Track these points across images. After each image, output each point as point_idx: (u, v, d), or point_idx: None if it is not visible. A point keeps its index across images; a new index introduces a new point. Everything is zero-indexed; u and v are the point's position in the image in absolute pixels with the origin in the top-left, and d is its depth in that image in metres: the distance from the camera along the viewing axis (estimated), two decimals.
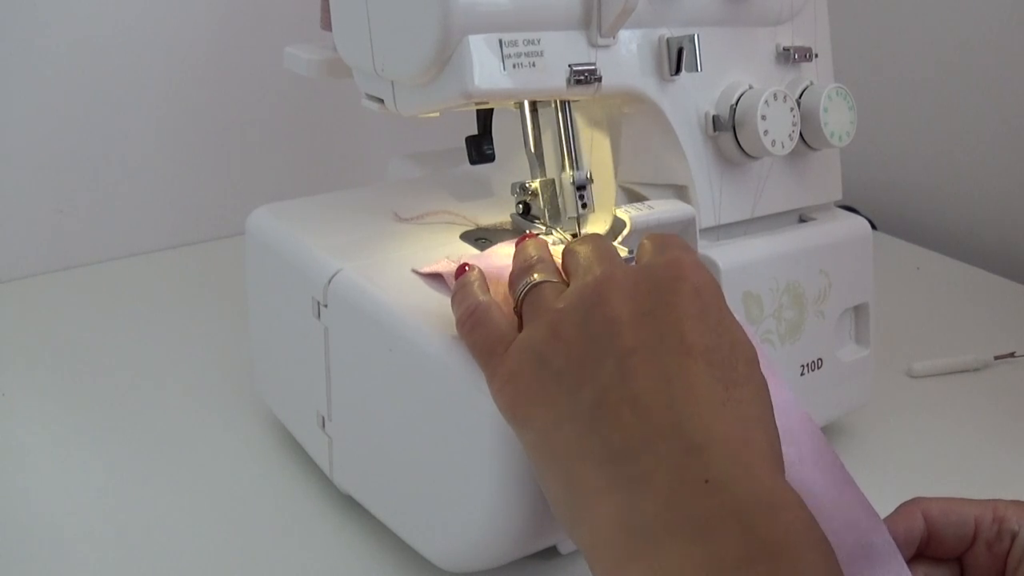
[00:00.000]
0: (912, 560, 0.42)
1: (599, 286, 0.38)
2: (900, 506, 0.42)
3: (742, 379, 0.36)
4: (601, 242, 0.43)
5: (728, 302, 0.53)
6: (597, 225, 0.56)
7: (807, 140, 0.59)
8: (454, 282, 0.46)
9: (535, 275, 0.42)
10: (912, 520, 0.41)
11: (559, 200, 0.55)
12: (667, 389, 0.35)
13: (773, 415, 0.36)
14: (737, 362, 0.36)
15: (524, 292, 0.41)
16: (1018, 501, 0.43)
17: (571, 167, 0.53)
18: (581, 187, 0.53)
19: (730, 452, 0.33)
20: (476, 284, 0.44)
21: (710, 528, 0.31)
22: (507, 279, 0.45)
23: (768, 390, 0.37)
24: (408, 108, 0.52)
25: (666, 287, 0.37)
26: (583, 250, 0.42)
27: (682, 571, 0.31)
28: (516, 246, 0.46)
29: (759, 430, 0.35)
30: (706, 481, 0.32)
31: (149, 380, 0.72)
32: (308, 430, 0.59)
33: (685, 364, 0.35)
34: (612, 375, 0.36)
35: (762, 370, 0.39)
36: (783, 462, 0.35)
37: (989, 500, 0.43)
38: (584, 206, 0.54)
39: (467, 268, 0.46)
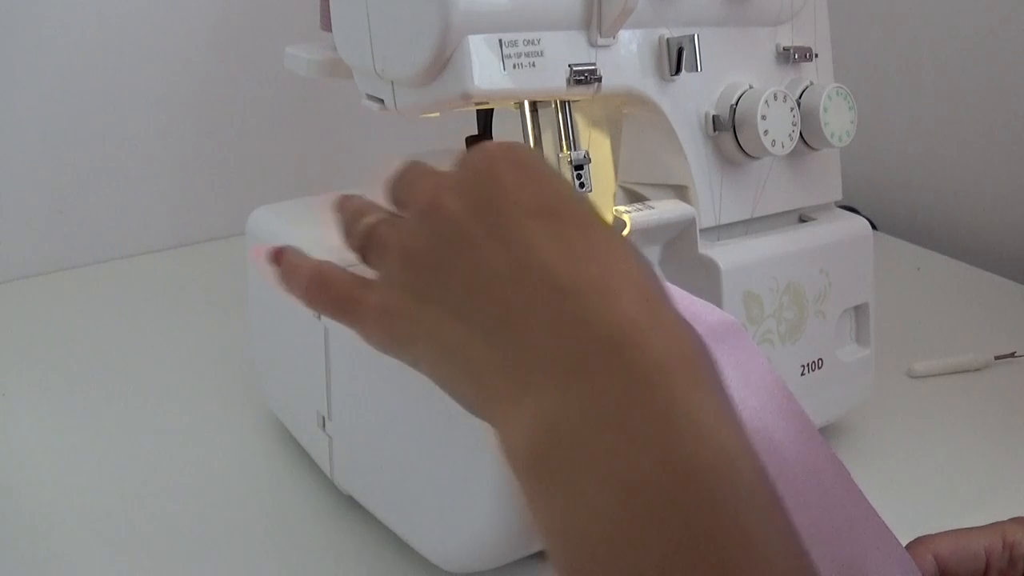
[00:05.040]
0: None
1: (430, 199, 0.38)
2: (907, 547, 0.42)
3: (592, 223, 0.36)
4: (416, 165, 0.42)
5: (728, 302, 0.54)
6: None
7: (807, 140, 0.59)
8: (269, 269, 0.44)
9: (366, 218, 0.42)
10: (922, 562, 0.41)
11: None
12: (526, 255, 0.35)
13: (637, 250, 0.36)
14: (583, 211, 0.37)
15: (363, 238, 0.41)
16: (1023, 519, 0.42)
17: (568, 148, 0.53)
18: (579, 167, 0.53)
19: (599, 287, 0.33)
20: (296, 256, 0.44)
21: (584, 363, 0.32)
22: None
23: (620, 233, 0.37)
24: (408, 108, 0.52)
25: (487, 172, 0.38)
26: (403, 179, 0.42)
27: (561, 409, 0.31)
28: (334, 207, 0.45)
29: (626, 263, 0.35)
30: (577, 317, 0.33)
31: (149, 380, 0.72)
32: (308, 430, 0.59)
33: (533, 227, 0.35)
34: (470, 265, 0.36)
35: (738, 340, 0.42)
36: (663, 288, 0.35)
37: (996, 525, 0.42)
38: (582, 186, 0.54)
39: (279, 252, 0.45)
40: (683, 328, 0.33)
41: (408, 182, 0.41)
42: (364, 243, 0.41)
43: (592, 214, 0.36)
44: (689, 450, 0.29)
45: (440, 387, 0.39)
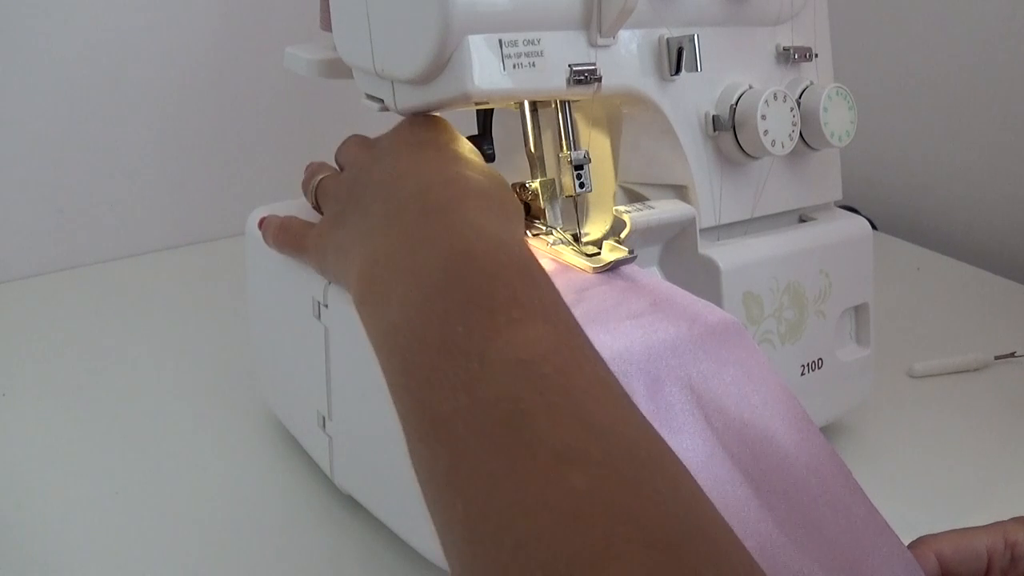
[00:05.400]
0: None
1: (355, 157, 0.51)
2: (910, 547, 0.42)
3: (447, 147, 0.48)
4: (355, 137, 0.54)
5: (728, 302, 0.54)
6: (597, 225, 0.56)
7: (807, 140, 0.59)
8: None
9: (317, 176, 0.54)
10: (925, 563, 0.41)
11: (556, 182, 0.55)
12: (392, 166, 0.47)
13: (475, 163, 0.47)
14: (443, 140, 0.49)
15: (315, 189, 0.53)
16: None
17: (568, 148, 0.54)
18: (579, 167, 0.54)
19: (422, 170, 0.45)
20: (271, 217, 0.56)
21: (398, 211, 0.43)
22: None
23: (464, 153, 0.48)
24: (408, 108, 0.52)
25: (391, 133, 0.52)
26: (344, 147, 0.54)
27: (380, 243, 0.42)
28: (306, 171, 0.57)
29: (448, 159, 0.46)
30: (401, 187, 0.44)
31: (149, 380, 0.72)
32: (308, 430, 0.59)
33: (403, 150, 0.48)
34: (364, 189, 0.47)
35: (739, 339, 0.46)
36: (478, 167, 0.46)
37: (997, 525, 0.42)
38: (582, 185, 0.54)
39: (261, 220, 0.57)
40: (478, 178, 0.44)
41: (346, 150, 0.54)
42: (315, 193, 0.53)
43: (450, 142, 0.48)
44: (468, 243, 0.39)
45: (337, 284, 0.48)
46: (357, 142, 0.53)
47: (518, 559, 0.29)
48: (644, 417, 0.34)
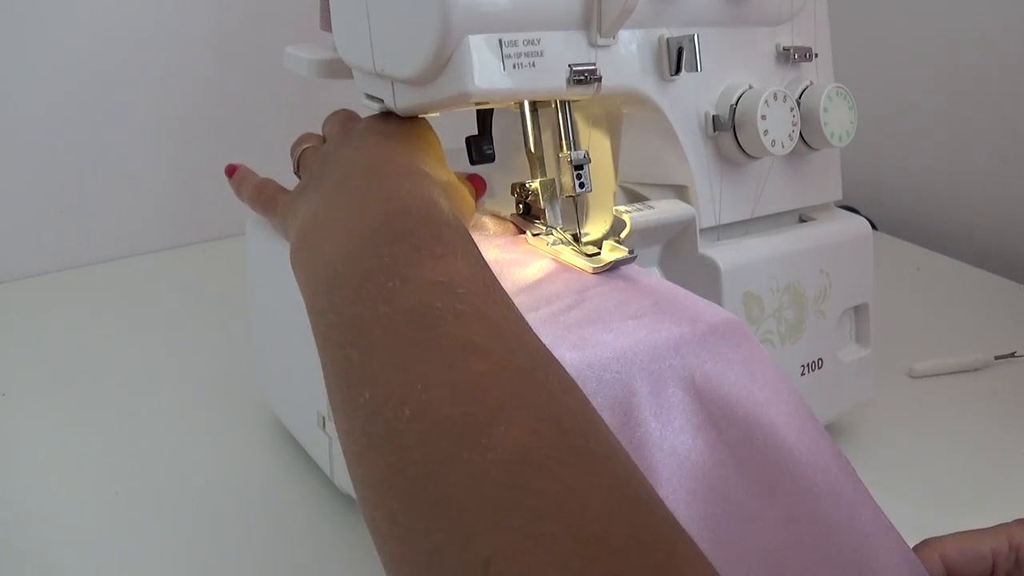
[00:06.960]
0: None
1: (331, 141, 0.55)
2: (915, 549, 0.42)
3: (402, 137, 0.52)
4: (340, 112, 0.58)
5: (728, 302, 0.54)
6: (597, 225, 0.56)
7: (807, 140, 0.59)
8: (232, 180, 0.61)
9: (303, 145, 0.57)
10: (930, 565, 0.41)
11: (556, 182, 0.55)
12: (359, 149, 0.51)
13: (406, 149, 0.50)
14: (403, 131, 0.52)
15: (298, 158, 0.57)
16: None
17: (568, 148, 0.54)
18: (579, 167, 0.54)
19: (373, 154, 0.49)
20: (247, 172, 0.61)
21: (344, 181, 0.47)
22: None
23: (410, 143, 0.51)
24: (408, 108, 0.52)
25: (366, 122, 0.54)
26: (331, 122, 0.58)
27: (321, 204, 0.46)
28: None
29: (393, 144, 0.50)
30: (353, 163, 0.48)
31: (149, 380, 0.72)
32: (308, 430, 0.59)
33: (370, 139, 0.52)
34: (331, 163, 0.51)
35: (742, 338, 0.46)
36: (449, 171, 0.51)
37: (1002, 527, 0.42)
38: (582, 186, 0.54)
39: (234, 167, 0.62)
40: (428, 169, 0.48)
41: (331, 124, 0.58)
42: (299, 161, 0.57)
43: (418, 140, 0.52)
44: (403, 202, 0.42)
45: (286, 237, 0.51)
46: (341, 119, 0.57)
47: (414, 425, 0.32)
48: (547, 348, 0.37)
